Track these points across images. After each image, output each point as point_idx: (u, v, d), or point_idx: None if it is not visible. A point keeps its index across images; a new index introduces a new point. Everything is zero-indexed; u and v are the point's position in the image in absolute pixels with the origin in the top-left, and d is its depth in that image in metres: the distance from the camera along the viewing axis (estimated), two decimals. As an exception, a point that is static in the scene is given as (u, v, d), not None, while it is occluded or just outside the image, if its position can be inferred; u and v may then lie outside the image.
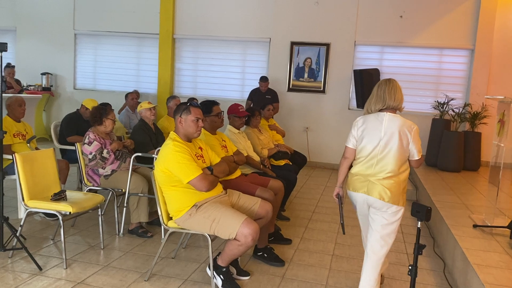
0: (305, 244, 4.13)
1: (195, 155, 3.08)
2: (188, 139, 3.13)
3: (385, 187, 2.77)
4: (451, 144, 7.03)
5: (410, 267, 2.40)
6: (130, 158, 4.08)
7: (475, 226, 3.91)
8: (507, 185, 3.98)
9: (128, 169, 4.04)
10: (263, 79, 7.58)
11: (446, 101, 7.42)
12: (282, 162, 4.99)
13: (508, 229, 3.59)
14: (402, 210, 2.83)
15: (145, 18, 8.93)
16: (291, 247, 4.01)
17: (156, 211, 3.27)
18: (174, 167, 2.94)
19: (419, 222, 2.39)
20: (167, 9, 8.75)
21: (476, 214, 4.32)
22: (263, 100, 7.17)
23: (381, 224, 2.84)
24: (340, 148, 8.30)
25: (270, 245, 3.72)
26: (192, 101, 3.27)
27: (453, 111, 7.47)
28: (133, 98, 6.72)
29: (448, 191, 5.48)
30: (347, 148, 3.05)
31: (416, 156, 2.86)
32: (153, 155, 4.03)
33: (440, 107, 7.48)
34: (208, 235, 3.00)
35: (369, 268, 2.87)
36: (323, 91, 8.27)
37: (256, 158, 4.42)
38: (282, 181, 4.09)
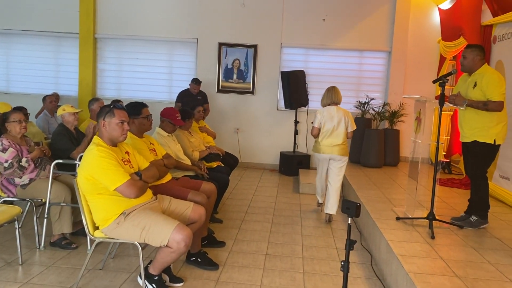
0: (238, 245, 4.11)
1: (122, 160, 2.93)
2: (113, 143, 2.97)
3: (340, 148, 4.88)
4: (372, 142, 7.42)
5: (342, 263, 2.45)
6: (50, 165, 3.79)
7: (397, 218, 4.13)
8: (425, 179, 4.24)
9: (48, 177, 3.76)
10: (196, 82, 7.44)
11: (367, 100, 7.81)
12: (214, 164, 4.93)
13: (427, 220, 3.83)
14: (347, 159, 4.96)
15: (63, 16, 8.40)
16: (224, 250, 3.97)
17: (81, 221, 3.07)
18: (99, 174, 2.77)
19: (350, 219, 2.46)
20: (87, 7, 8.30)
21: (398, 207, 4.57)
22: (194, 101, 7.05)
23: (338, 167, 4.94)
24: (271, 148, 8.49)
25: (203, 249, 3.65)
26: (116, 103, 3.10)
27: (374, 110, 7.89)
28: (51, 101, 6.29)
29: (372, 186, 5.75)
30: (314, 128, 4.95)
31: (350, 129, 4.93)
32: (76, 162, 3.79)
33: (361, 107, 7.86)
34: (138, 243, 2.87)
35: (333, 193, 4.93)
36: (252, 92, 8.32)
37: (187, 161, 4.32)
38: (214, 183, 4.04)
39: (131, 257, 3.68)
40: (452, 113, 7.53)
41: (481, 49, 3.97)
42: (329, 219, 4.99)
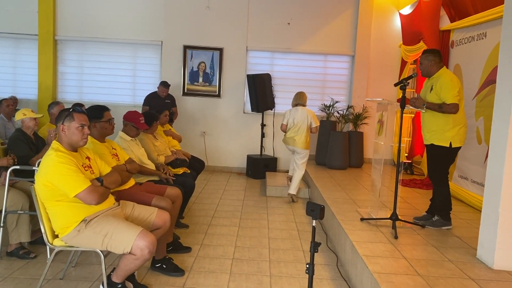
0: (205, 250, 4.06)
1: (82, 165, 2.83)
2: (73, 148, 2.87)
3: (301, 142, 5.88)
4: (337, 144, 7.53)
5: (307, 265, 2.46)
6: (6, 171, 3.62)
7: (362, 219, 4.20)
8: (388, 180, 4.33)
9: (4, 184, 3.59)
10: (165, 85, 7.31)
11: (331, 103, 7.93)
12: (180, 171, 4.84)
13: (390, 220, 3.91)
14: (307, 152, 5.95)
15: (21, 17, 8.09)
16: (191, 255, 3.91)
17: (39, 229, 2.94)
18: (58, 180, 2.66)
19: (314, 221, 2.46)
20: (46, 8, 8.03)
21: (363, 208, 4.65)
22: (162, 104, 6.94)
23: (299, 157, 5.98)
24: (238, 151, 8.46)
25: (168, 255, 3.58)
26: (76, 106, 3.00)
27: (338, 113, 8.02)
28: (8, 105, 6.02)
29: (337, 187, 5.83)
30: (282, 124, 6.02)
31: (314, 125, 5.92)
32: (34, 168, 3.64)
33: (326, 110, 7.97)
34: (101, 251, 2.78)
35: (295, 179, 6.05)
36: (218, 95, 8.28)
37: (151, 166, 4.23)
38: (179, 188, 3.97)
39: (93, 265, 3.57)
40: (413, 115, 7.75)
41: (435, 54, 4.07)
42: (292, 199, 6.04)
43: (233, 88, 8.30)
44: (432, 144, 4.06)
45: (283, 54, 8.34)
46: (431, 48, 4.31)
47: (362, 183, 6.26)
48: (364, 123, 8.00)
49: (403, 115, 3.95)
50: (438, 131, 3.99)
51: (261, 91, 7.67)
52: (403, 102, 3.85)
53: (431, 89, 4.02)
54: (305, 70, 8.34)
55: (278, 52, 8.33)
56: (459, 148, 4.03)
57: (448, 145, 3.95)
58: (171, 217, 3.27)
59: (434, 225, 4.10)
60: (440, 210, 4.11)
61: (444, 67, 4.10)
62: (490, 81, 5.03)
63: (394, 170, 4.45)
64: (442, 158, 4.04)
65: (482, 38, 5.34)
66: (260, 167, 7.81)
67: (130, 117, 4.04)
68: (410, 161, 7.58)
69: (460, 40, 5.91)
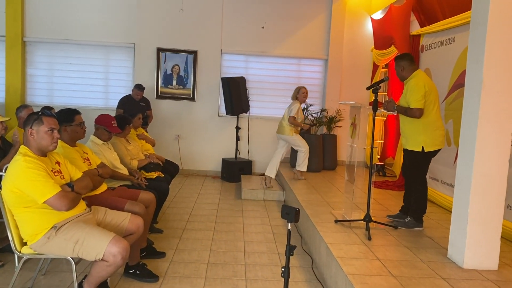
0: (179, 255, 4.01)
1: (52, 170, 2.75)
2: (42, 153, 2.78)
3: (281, 128, 6.51)
4: (311, 147, 7.55)
5: (283, 269, 2.45)
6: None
7: (336, 221, 4.23)
8: (361, 182, 4.39)
9: (-31, 191, 3.44)
10: (139, 87, 7.17)
11: (305, 106, 7.98)
12: (153, 175, 4.77)
13: (363, 222, 3.95)
14: (285, 137, 6.44)
15: (-13, 18, 7.84)
16: (165, 260, 3.85)
17: (7, 237, 2.83)
18: (27, 186, 2.57)
19: (289, 224, 2.46)
20: (14, 9, 7.80)
21: (337, 210, 4.69)
22: (137, 108, 6.82)
23: (279, 141, 6.62)
24: (213, 154, 8.41)
25: (142, 261, 3.52)
26: (45, 110, 2.91)
27: (312, 116, 8.09)
28: (-26, 108, 5.81)
29: (312, 190, 5.87)
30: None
31: (288, 114, 6.39)
32: (0, 173, 3.51)
33: (301, 113, 8.02)
34: (72, 258, 2.70)
35: (271, 161, 6.59)
36: (193, 99, 8.22)
37: (124, 170, 4.15)
38: (153, 192, 3.91)
39: (64, 273, 3.47)
40: (385, 118, 7.90)
41: (405, 59, 4.13)
42: (265, 182, 6.57)
43: (208, 91, 8.26)
44: (406, 149, 4.13)
45: (257, 58, 8.35)
46: (401, 54, 4.37)
47: (336, 185, 6.33)
48: (338, 126, 8.09)
49: (376, 118, 4.02)
50: (411, 136, 4.05)
51: (236, 94, 7.66)
52: (375, 105, 3.91)
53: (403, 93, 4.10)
54: (279, 73, 8.38)
55: (253, 56, 8.34)
56: (433, 152, 4.04)
57: (420, 150, 3.99)
58: (144, 222, 3.22)
59: (407, 226, 4.17)
60: (414, 211, 4.17)
61: (418, 70, 4.14)
62: (458, 84, 5.17)
63: (367, 172, 4.51)
64: (417, 162, 4.08)
65: (451, 43, 5.49)
66: (235, 170, 7.78)
67: (101, 121, 3.96)
68: (382, 163, 7.71)
69: (430, 45, 6.06)
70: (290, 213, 2.38)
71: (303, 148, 6.57)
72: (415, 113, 3.93)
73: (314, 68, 8.47)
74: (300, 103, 6.53)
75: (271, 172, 6.50)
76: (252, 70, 8.36)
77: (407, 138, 4.11)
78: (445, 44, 5.63)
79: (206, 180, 7.82)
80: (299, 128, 6.54)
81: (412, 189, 4.21)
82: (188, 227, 4.90)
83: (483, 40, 3.09)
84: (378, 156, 7.84)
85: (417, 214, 4.16)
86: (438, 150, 4.06)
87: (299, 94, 6.51)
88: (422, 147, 3.99)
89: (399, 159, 6.77)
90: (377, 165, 7.39)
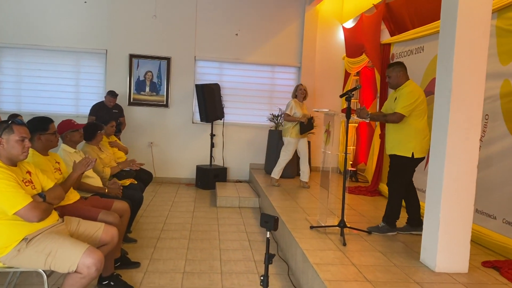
0: (154, 265, 3.94)
1: (22, 180, 2.66)
2: (13, 162, 2.69)
3: (284, 130, 6.66)
4: (286, 153, 7.61)
5: (261, 277, 2.45)
6: None
7: (311, 227, 4.27)
8: (335, 188, 4.44)
9: None
10: (112, 94, 7.04)
11: (279, 113, 8.02)
12: (127, 182, 4.69)
13: (338, 228, 4.00)
14: (286, 139, 6.55)
15: (-49, 22, 7.56)
16: (139, 271, 3.79)
17: (-27, 250, 2.72)
18: (-4, 197, 2.48)
19: (268, 232, 2.47)
20: (-20, 13, 7.56)
21: (312, 216, 4.73)
22: (110, 115, 6.70)
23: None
24: (187, 161, 8.34)
25: (116, 272, 3.45)
26: (15, 118, 2.82)
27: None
28: None
29: (287, 196, 5.89)
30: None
31: (286, 111, 6.51)
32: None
33: (274, 119, 8.05)
34: (43, 271, 2.62)
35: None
36: (166, 105, 8.14)
37: (97, 178, 4.06)
38: (127, 201, 3.84)
39: (34, 285, 3.36)
40: (357, 125, 8.05)
41: (402, 65, 4.20)
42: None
43: (182, 98, 8.20)
44: (394, 155, 4.17)
45: (231, 65, 8.36)
46: (397, 61, 4.37)
47: (311, 191, 6.38)
48: (311, 133, 8.16)
49: (349, 125, 4.09)
50: (400, 142, 4.09)
51: (210, 101, 7.64)
52: (348, 112, 3.98)
53: (395, 99, 4.14)
54: (253, 80, 8.41)
55: (227, 62, 8.34)
56: (421, 158, 4.12)
57: (410, 155, 4.04)
58: (119, 232, 3.16)
59: (380, 231, 4.24)
60: (387, 216, 4.25)
61: (411, 80, 4.21)
62: (428, 92, 5.31)
63: (340, 178, 4.58)
64: (403, 167, 4.14)
65: (420, 52, 5.65)
66: (210, 177, 7.74)
67: (63, 127, 3.83)
68: (355, 169, 7.84)
69: (400, 53, 6.22)
70: (269, 221, 2.39)
71: (285, 157, 6.58)
72: (396, 118, 4.02)
73: (287, 75, 8.55)
74: (299, 100, 6.54)
75: (303, 177, 6.65)
76: (227, 77, 8.36)
77: (395, 144, 4.15)
78: (415, 53, 5.79)
79: (180, 188, 7.74)
80: (298, 128, 6.40)
81: (390, 193, 4.27)
82: (162, 236, 4.83)
83: (452, 49, 3.20)
84: (351, 162, 7.97)
85: (390, 219, 4.24)
86: (424, 158, 4.15)
87: (297, 91, 6.56)
88: (412, 153, 4.04)
89: (371, 164, 6.90)
90: (350, 171, 7.49)
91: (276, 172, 6.67)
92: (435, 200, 3.32)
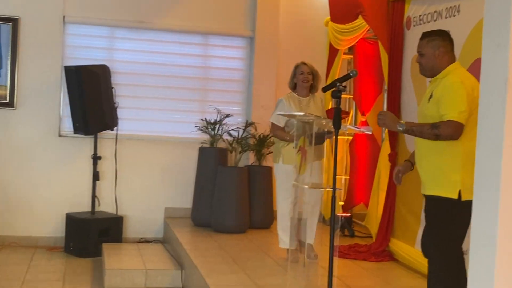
0: None
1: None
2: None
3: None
4: (229, 189, 7.56)
5: None
6: None
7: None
8: (318, 248, 4.50)
9: None
10: None
11: (218, 119, 7.99)
12: None
13: None
14: (274, 165, 6.49)
15: None
16: None
17: None
18: None
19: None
20: None
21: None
22: None
23: None
24: (49, 207, 8.18)
25: None
26: None
27: (230, 134, 8.09)
28: None
29: (231, 265, 5.87)
30: None
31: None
32: None
33: (210, 129, 7.98)
34: None
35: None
36: (10, 104, 7.95)
37: None
38: None
39: None
40: (351, 137, 8.13)
41: (444, 36, 4.12)
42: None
43: (39, 91, 8.05)
44: (430, 196, 4.04)
45: (131, 32, 8.38)
46: (435, 30, 4.32)
47: (273, 255, 6.38)
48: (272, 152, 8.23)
49: (337, 138, 4.03)
50: (441, 173, 3.94)
51: (92, 97, 7.54)
52: (337, 117, 3.96)
53: (430, 96, 4.04)
54: (170, 60, 8.45)
55: (122, 28, 8.36)
56: (470, 203, 3.73)
57: (456, 196, 3.85)
58: None
59: None
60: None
61: (457, 62, 4.18)
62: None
63: (324, 232, 4.60)
64: (445, 218, 3.95)
65: (454, 15, 5.85)
66: (92, 235, 7.61)
67: None
68: (348, 215, 7.93)
69: (420, 17, 6.40)
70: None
71: (283, 198, 6.16)
72: (451, 131, 3.83)
73: (231, 51, 8.68)
74: (301, 94, 6.46)
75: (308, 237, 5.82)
76: (122, 54, 8.38)
77: (430, 176, 4.03)
78: (445, 17, 5.98)
79: (37, 255, 7.55)
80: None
81: (432, 268, 4.03)
82: None
83: (509, 11, 3.32)
84: (342, 203, 8.04)
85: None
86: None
87: (296, 76, 6.52)
88: (459, 191, 3.85)
89: (375, 207, 6.95)
90: (340, 218, 7.58)
91: (283, 233, 6.07)
92: (484, 270, 3.36)
